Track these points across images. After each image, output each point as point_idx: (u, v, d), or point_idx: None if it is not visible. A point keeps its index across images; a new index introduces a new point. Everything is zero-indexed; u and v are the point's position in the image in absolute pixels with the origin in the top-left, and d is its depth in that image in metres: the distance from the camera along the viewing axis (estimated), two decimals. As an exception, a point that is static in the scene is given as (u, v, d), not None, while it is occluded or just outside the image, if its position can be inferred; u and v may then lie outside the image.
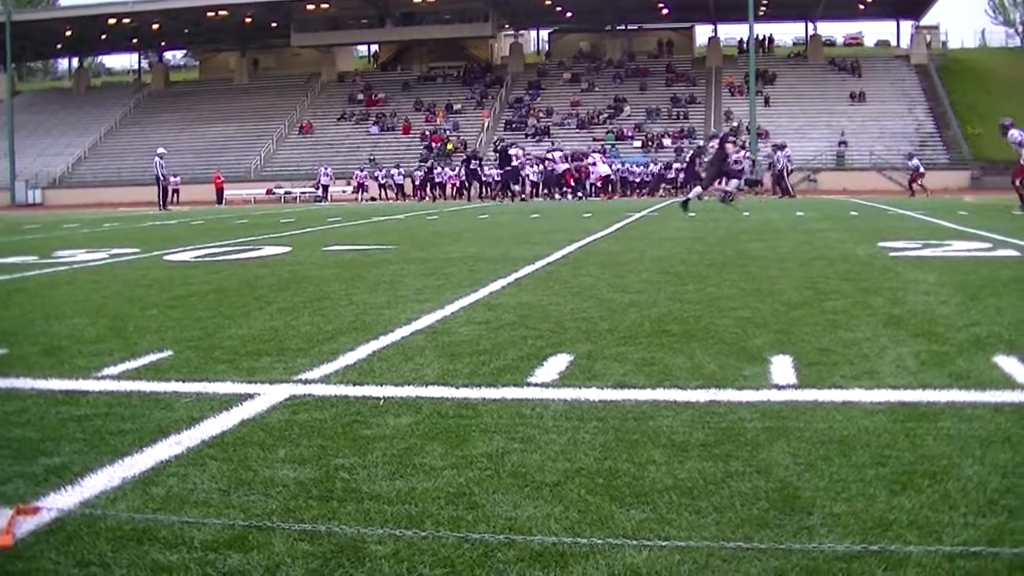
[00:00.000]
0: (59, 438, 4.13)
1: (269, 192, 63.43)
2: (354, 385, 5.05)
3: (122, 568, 2.77)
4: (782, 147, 45.61)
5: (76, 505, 3.29)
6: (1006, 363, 5.27)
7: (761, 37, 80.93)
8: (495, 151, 55.86)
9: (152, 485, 3.50)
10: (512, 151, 47.31)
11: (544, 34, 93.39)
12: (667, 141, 68.26)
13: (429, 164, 60.70)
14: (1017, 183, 24.81)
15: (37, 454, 3.90)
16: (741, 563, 2.73)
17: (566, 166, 49.57)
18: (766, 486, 3.36)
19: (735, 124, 26.84)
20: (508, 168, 37.95)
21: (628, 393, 4.76)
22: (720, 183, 26.92)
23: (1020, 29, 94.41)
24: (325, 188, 58.44)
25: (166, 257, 13.76)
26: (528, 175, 50.04)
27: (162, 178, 42.85)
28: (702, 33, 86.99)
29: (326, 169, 60.02)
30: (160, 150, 43.98)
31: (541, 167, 51.32)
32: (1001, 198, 25.23)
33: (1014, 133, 24.21)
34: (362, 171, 61.45)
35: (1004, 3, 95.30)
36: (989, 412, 4.27)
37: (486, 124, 73.65)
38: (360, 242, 16.20)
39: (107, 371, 5.54)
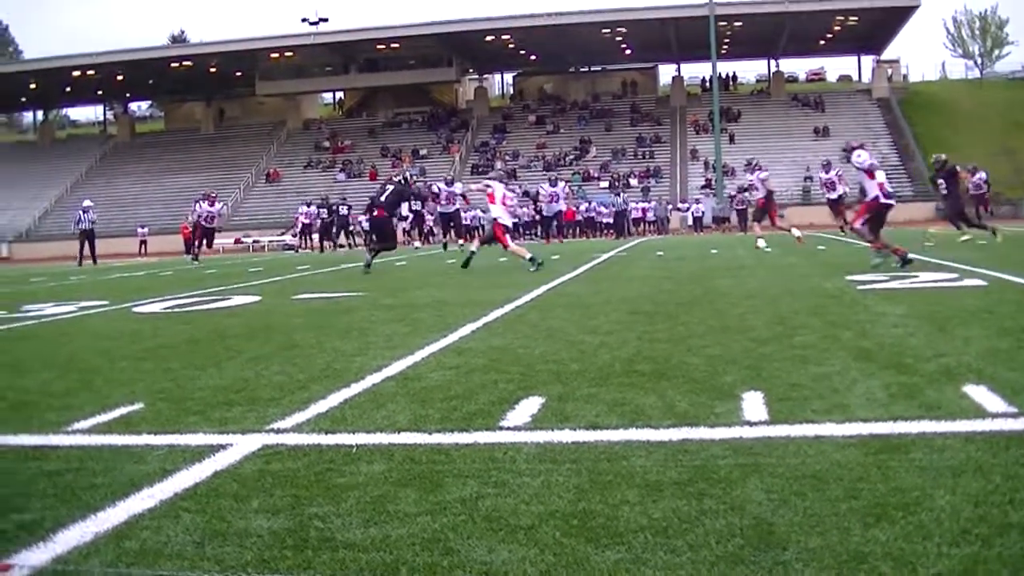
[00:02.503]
0: (30, 494, 4.10)
1: (237, 241, 63.20)
2: (326, 433, 5.04)
3: (96, 624, 2.76)
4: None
5: (49, 561, 3.27)
6: (975, 392, 5.29)
7: (724, 75, 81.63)
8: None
9: (125, 539, 3.48)
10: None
11: (508, 77, 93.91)
12: (633, 181, 68.61)
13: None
14: (856, 224, 16.48)
15: (7, 510, 3.87)
16: (717, 601, 2.74)
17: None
18: (740, 523, 3.37)
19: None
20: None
21: (600, 434, 4.76)
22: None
23: (979, 61, 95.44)
24: (307, 228, 55.50)
25: (135, 309, 13.71)
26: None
27: (76, 230, 40.75)
28: (666, 72, 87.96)
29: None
30: (86, 203, 42.08)
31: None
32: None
33: (861, 154, 16.29)
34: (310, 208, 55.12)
35: (962, 36, 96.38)
36: (960, 442, 4.28)
37: (455, 163, 73.71)
38: (329, 290, 16.18)
39: (78, 425, 5.51)
